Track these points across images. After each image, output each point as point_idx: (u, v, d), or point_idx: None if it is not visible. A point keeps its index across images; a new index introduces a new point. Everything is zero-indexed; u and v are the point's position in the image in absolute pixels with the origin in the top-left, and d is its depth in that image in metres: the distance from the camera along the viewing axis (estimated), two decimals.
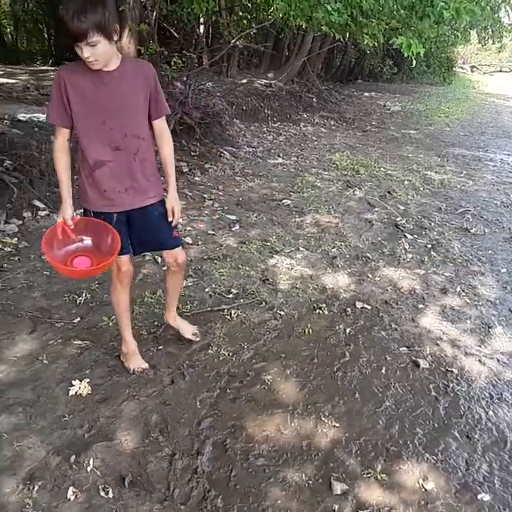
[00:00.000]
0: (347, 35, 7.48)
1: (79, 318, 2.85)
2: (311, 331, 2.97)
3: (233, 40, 7.57)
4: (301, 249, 4.09)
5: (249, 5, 7.06)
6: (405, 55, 4.90)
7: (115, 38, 1.90)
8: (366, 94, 15.08)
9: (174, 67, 6.67)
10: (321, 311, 3.17)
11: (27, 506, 1.78)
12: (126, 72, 2.02)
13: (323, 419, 2.30)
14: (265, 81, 10.60)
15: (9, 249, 3.50)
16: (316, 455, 2.11)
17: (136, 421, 2.19)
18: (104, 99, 2.00)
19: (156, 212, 2.28)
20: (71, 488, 1.85)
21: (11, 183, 3.79)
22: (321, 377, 2.58)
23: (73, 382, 2.34)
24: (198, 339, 2.74)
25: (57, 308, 2.92)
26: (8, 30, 15.99)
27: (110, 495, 1.85)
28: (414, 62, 5.28)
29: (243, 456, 2.07)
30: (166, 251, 2.45)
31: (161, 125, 2.19)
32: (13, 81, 6.99)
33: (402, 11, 6.25)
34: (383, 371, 2.68)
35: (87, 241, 2.19)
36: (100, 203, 2.18)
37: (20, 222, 3.81)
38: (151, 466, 1.99)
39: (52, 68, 9.03)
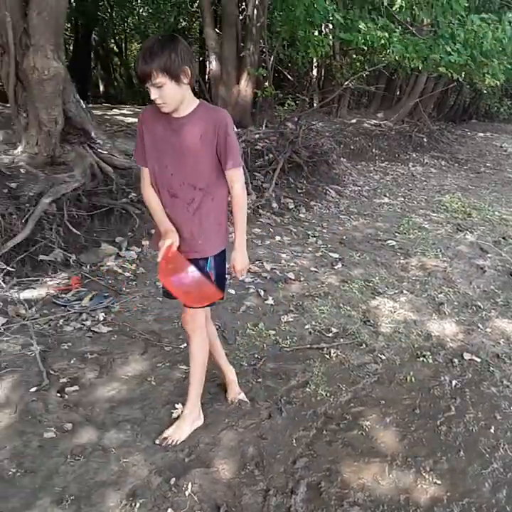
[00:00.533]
0: (463, 75, 7.34)
1: (185, 344, 2.98)
2: (413, 379, 2.86)
3: (346, 83, 7.71)
4: (405, 292, 3.98)
5: (365, 48, 7.18)
6: None
7: (185, 80, 1.86)
8: (481, 134, 14.51)
9: (286, 108, 6.94)
10: (425, 359, 3.05)
11: None
12: (196, 119, 1.97)
13: (424, 474, 2.19)
14: (374, 121, 10.62)
15: (128, 274, 3.80)
16: (415, 511, 2.02)
17: (234, 451, 2.24)
18: (169, 145, 2.00)
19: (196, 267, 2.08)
20: (170, 510, 1.92)
21: (135, 213, 4.15)
22: (422, 430, 2.47)
23: (176, 405, 2.45)
24: (231, 406, 2.51)
25: (166, 333, 3.10)
26: None
27: None
28: None
29: (338, 501, 2.03)
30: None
31: (231, 177, 2.06)
32: None
33: None
34: (492, 430, 2.50)
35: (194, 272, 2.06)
36: None
37: (140, 249, 4.13)
38: (245, 498, 2.01)
39: None
